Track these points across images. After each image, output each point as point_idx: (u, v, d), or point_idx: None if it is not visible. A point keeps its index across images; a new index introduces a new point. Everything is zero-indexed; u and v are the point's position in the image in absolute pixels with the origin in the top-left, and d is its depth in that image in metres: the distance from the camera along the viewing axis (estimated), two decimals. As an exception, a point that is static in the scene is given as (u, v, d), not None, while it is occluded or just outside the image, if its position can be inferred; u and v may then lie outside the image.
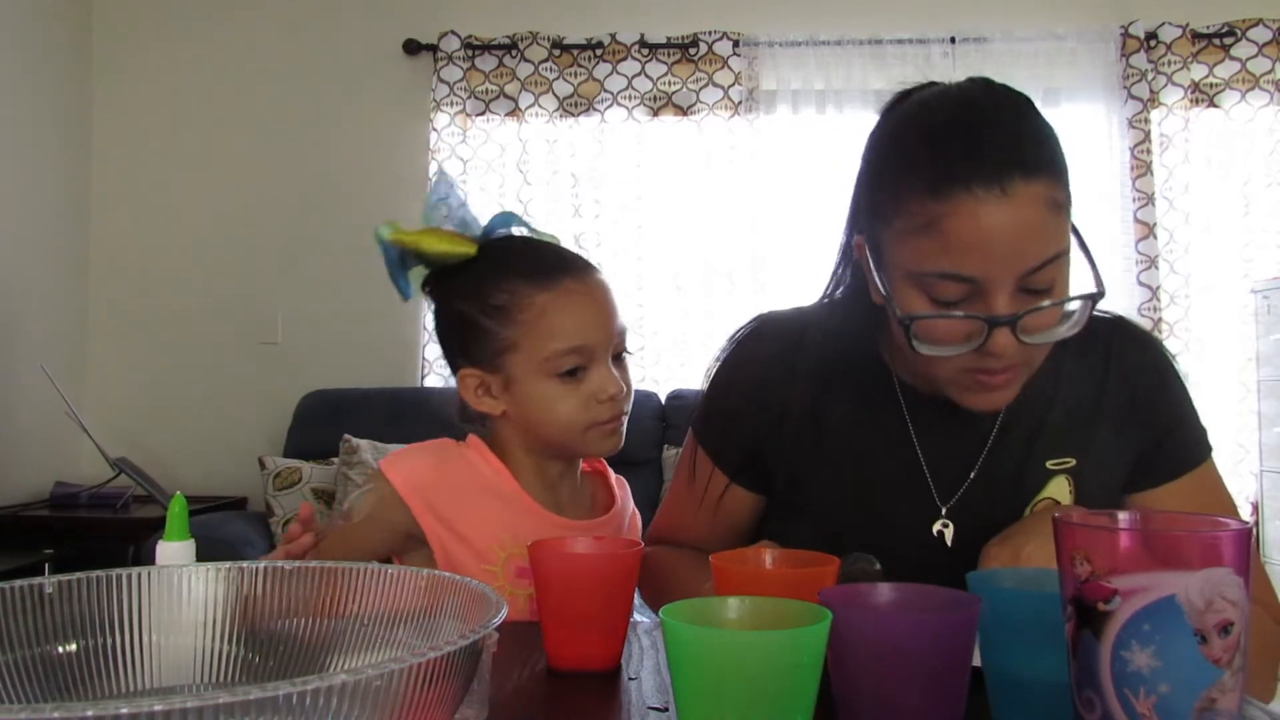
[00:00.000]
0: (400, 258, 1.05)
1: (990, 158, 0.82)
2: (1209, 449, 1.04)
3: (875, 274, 0.92)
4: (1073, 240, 0.88)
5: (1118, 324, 1.05)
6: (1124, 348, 1.03)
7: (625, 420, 1.05)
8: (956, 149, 0.84)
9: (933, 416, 1.01)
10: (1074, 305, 0.88)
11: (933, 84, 0.95)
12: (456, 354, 1.07)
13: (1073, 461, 1.00)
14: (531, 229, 1.10)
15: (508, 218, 1.08)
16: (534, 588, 0.83)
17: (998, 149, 0.83)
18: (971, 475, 1.00)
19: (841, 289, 1.05)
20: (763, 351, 1.08)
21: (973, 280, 0.83)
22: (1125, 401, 1.01)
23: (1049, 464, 0.99)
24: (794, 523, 1.05)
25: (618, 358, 1.05)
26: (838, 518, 1.02)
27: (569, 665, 0.81)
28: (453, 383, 1.11)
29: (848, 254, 1.03)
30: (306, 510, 0.97)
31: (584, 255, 1.11)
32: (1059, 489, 0.99)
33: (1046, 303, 0.85)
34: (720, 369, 1.11)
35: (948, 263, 0.83)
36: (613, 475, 1.17)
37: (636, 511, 1.17)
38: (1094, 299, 0.87)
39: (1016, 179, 0.81)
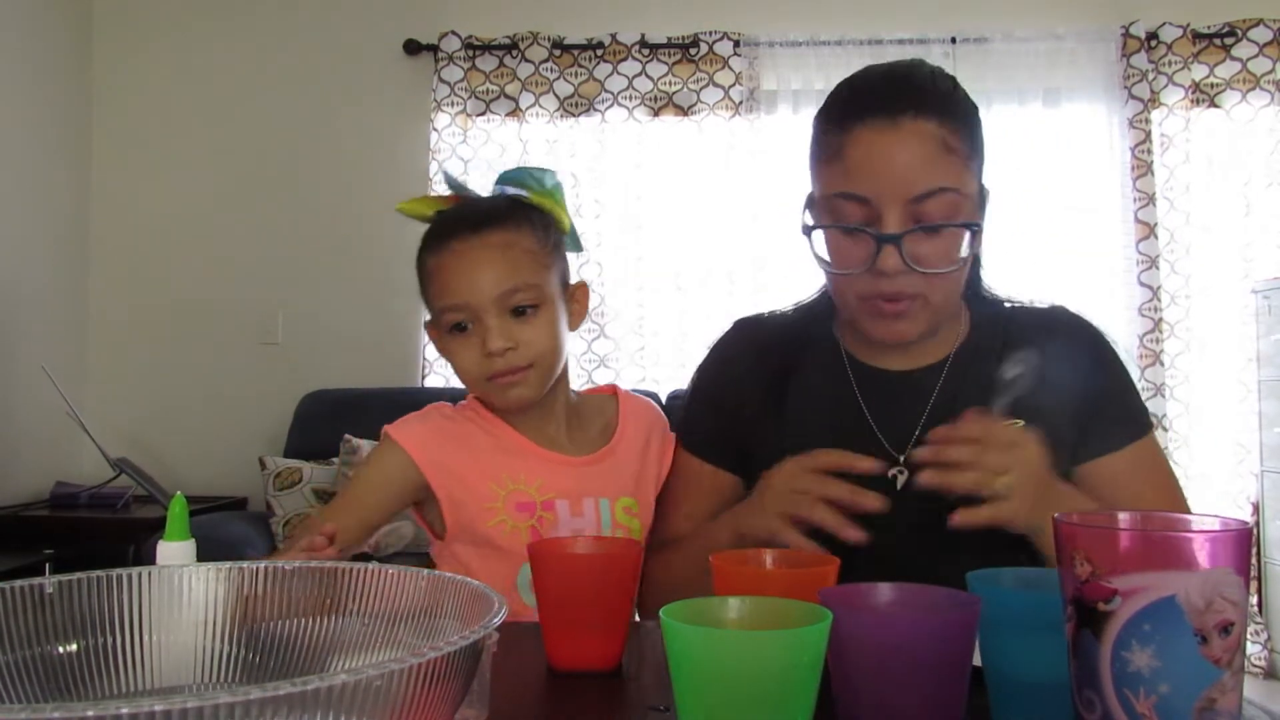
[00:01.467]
0: None
1: (887, 97, 0.98)
2: (1150, 424, 1.12)
3: (810, 219, 1.04)
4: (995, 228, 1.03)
5: (1058, 310, 1.15)
6: (1066, 328, 1.13)
7: (531, 374, 1.08)
8: (863, 92, 1.01)
9: (876, 383, 1.11)
10: (964, 246, 0.99)
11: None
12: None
13: (1021, 423, 1.06)
14: (533, 175, 1.15)
15: (510, 174, 1.15)
16: (534, 588, 0.84)
17: (895, 92, 0.98)
18: (918, 431, 1.07)
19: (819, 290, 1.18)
20: (736, 349, 1.20)
21: (866, 201, 0.97)
22: (1070, 373, 1.09)
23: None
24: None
25: (520, 311, 1.08)
26: None
27: (569, 665, 0.81)
28: (455, 382, 1.16)
29: None
30: (331, 529, 0.99)
31: (505, 208, 1.11)
32: None
33: (930, 224, 0.96)
34: (700, 372, 1.22)
35: (846, 184, 0.98)
36: (629, 405, 1.22)
37: (668, 436, 1.23)
38: (974, 229, 0.99)
39: (908, 114, 0.96)
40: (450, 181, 1.18)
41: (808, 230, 1.02)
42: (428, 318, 1.15)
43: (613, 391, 1.24)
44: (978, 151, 1.01)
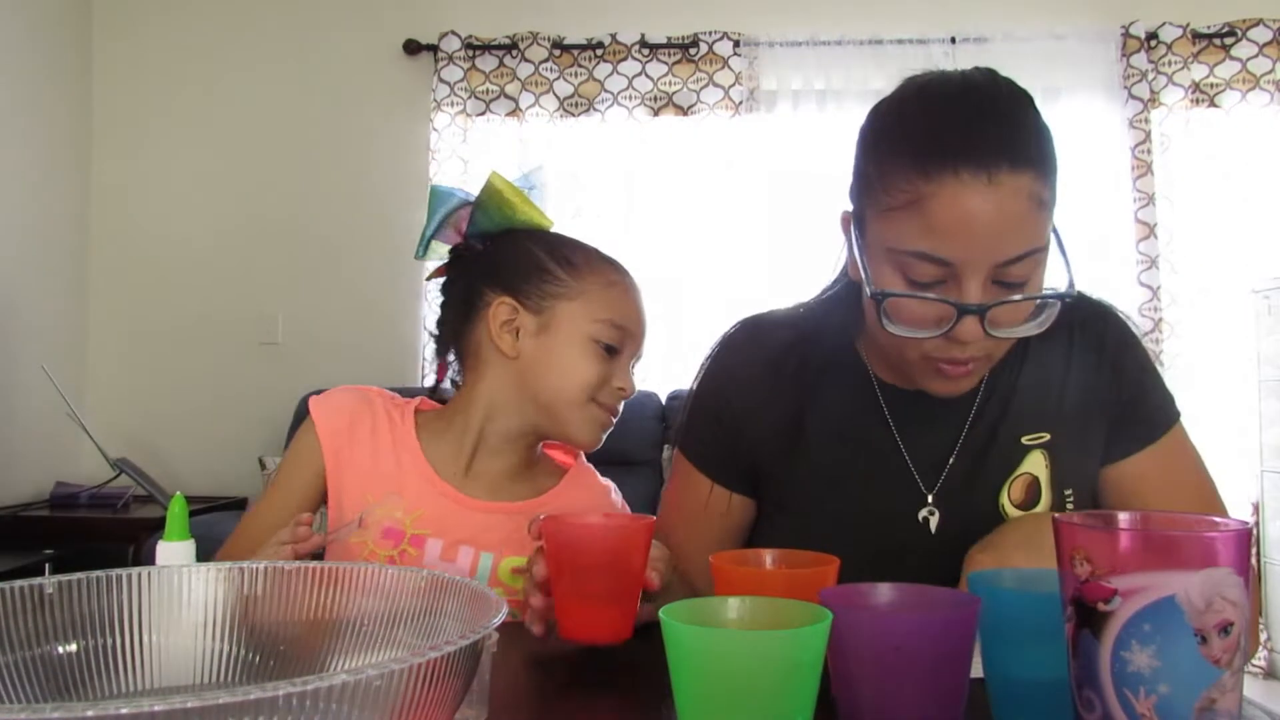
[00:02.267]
0: (444, 219, 1.10)
1: (981, 144, 0.83)
2: (1178, 413, 1.05)
3: (856, 249, 0.94)
4: (1052, 240, 0.89)
5: (1077, 300, 1.05)
6: (1085, 322, 1.04)
7: (613, 425, 1.08)
8: (948, 131, 0.85)
9: (908, 408, 1.03)
10: (1044, 303, 0.89)
11: (943, 72, 0.94)
12: (497, 284, 1.07)
13: (1047, 436, 1.01)
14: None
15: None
16: (546, 559, 0.83)
17: (989, 137, 0.84)
18: (951, 461, 1.02)
19: (833, 287, 1.08)
20: (745, 354, 1.09)
21: (949, 264, 0.85)
22: (1092, 374, 1.03)
23: (1024, 439, 1.01)
24: (784, 521, 1.06)
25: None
26: (826, 511, 1.03)
27: (579, 636, 0.81)
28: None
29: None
30: (309, 516, 0.96)
31: None
32: (1035, 464, 1.01)
33: (1018, 296, 0.86)
34: (705, 378, 1.11)
35: (926, 243, 0.85)
36: (580, 475, 1.15)
37: (620, 507, 1.16)
38: (1064, 299, 0.88)
39: (1004, 168, 0.82)
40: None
41: (880, 298, 0.89)
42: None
43: (573, 460, 1.16)
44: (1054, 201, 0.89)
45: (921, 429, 1.03)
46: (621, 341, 1.06)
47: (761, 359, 1.07)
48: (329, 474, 1.05)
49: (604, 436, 1.07)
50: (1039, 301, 0.89)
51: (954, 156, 0.83)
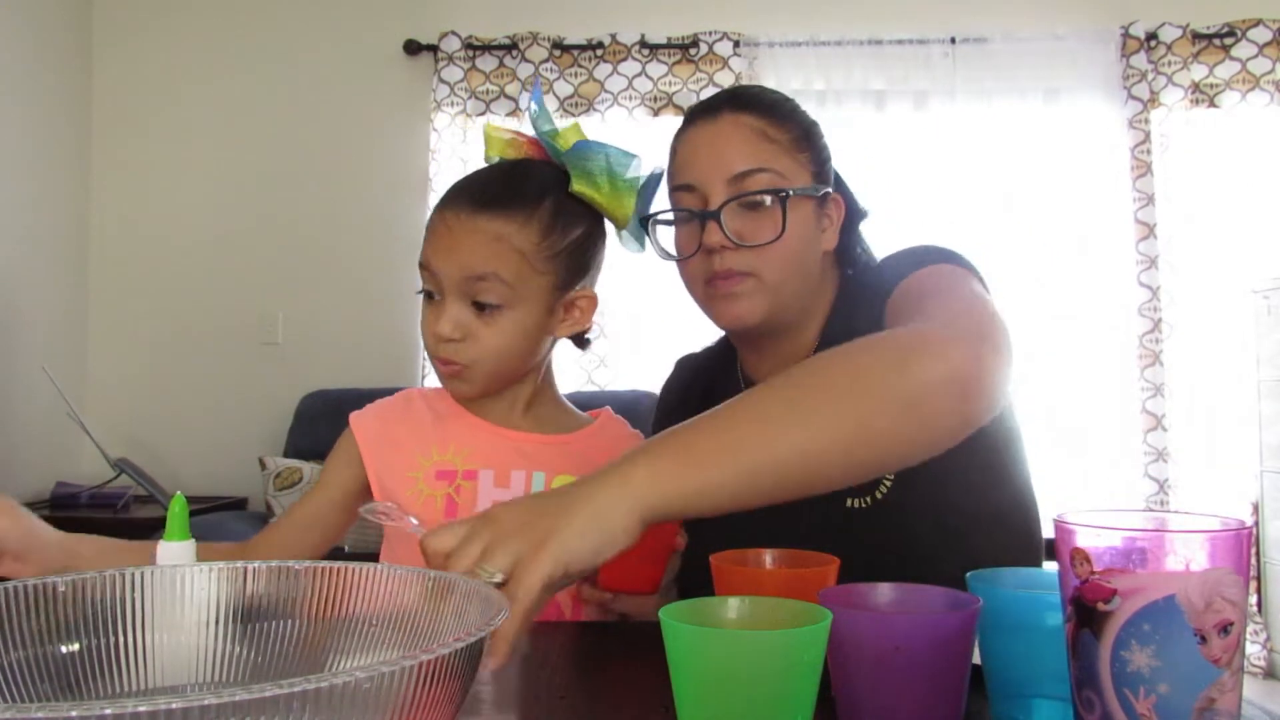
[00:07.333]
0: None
1: (712, 102, 1.08)
2: (950, 255, 1.01)
3: None
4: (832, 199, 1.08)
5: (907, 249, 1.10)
6: (874, 283, 1.03)
7: (470, 373, 1.02)
8: (694, 107, 1.10)
9: None
10: (785, 213, 1.01)
11: None
12: None
13: None
14: (608, 161, 1.05)
15: (587, 148, 1.06)
16: None
17: (719, 98, 1.09)
18: None
19: None
20: (671, 391, 1.32)
21: (693, 187, 1.05)
22: (882, 303, 1.00)
23: None
24: (704, 525, 1.09)
25: (486, 308, 1.00)
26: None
27: (616, 585, 0.93)
28: None
29: None
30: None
31: (527, 189, 1.05)
32: None
33: (742, 194, 1.01)
34: (655, 413, 1.31)
35: (677, 177, 1.08)
36: (607, 422, 1.15)
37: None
38: (781, 196, 1.02)
39: (725, 110, 1.06)
40: (534, 114, 1.11)
41: (643, 222, 1.10)
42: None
43: (596, 415, 1.18)
44: (806, 150, 1.07)
45: None
46: (433, 283, 1.03)
47: (680, 390, 1.31)
48: (368, 467, 1.06)
49: (461, 388, 1.04)
50: (783, 215, 1.01)
51: (692, 115, 1.09)
